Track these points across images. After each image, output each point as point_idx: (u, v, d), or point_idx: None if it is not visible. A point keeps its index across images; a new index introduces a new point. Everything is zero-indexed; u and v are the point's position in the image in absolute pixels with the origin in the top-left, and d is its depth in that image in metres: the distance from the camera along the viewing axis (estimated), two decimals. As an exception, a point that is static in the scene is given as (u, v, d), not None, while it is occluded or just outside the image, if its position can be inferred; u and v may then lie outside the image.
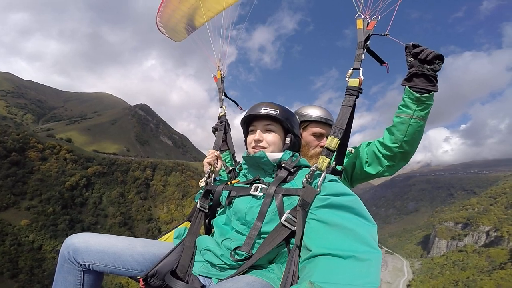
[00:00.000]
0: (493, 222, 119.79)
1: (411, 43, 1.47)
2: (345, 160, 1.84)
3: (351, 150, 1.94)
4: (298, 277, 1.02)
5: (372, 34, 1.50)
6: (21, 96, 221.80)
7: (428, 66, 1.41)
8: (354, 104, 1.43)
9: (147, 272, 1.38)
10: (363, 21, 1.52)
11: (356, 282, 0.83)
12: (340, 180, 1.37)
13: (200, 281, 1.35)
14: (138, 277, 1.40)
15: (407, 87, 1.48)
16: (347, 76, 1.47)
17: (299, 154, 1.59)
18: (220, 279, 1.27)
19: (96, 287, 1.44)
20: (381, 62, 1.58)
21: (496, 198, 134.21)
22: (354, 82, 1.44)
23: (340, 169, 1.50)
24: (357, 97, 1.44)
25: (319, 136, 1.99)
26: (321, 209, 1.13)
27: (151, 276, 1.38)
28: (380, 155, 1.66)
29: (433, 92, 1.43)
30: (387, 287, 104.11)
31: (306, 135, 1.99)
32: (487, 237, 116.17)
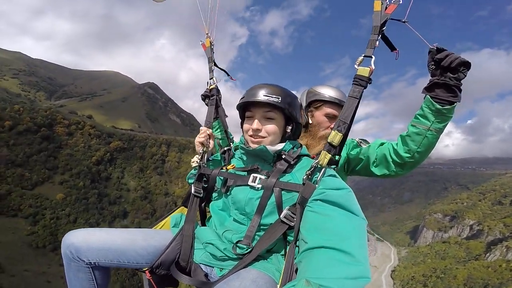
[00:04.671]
0: (478, 216, 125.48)
1: (435, 47, 1.28)
2: (353, 151, 1.83)
3: (360, 142, 1.87)
4: (297, 269, 1.01)
5: (389, 19, 1.30)
6: (32, 74, 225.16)
7: (452, 75, 1.25)
8: (361, 96, 1.27)
9: (152, 264, 1.40)
10: (382, 3, 1.31)
11: (349, 275, 0.84)
12: (336, 168, 1.33)
13: (202, 269, 1.37)
14: (144, 269, 1.41)
15: (428, 96, 1.35)
16: (357, 63, 1.29)
17: (300, 144, 1.48)
18: (222, 268, 1.31)
19: (107, 278, 1.49)
20: (392, 48, 1.40)
21: (485, 194, 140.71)
22: (364, 71, 1.27)
23: (337, 158, 1.43)
24: (365, 87, 1.27)
25: (332, 118, 1.89)
26: (317, 201, 1.12)
27: (156, 267, 1.40)
28: (390, 160, 1.59)
29: (455, 104, 1.30)
30: (374, 271, 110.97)
31: (319, 115, 1.90)
32: (470, 230, 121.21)
